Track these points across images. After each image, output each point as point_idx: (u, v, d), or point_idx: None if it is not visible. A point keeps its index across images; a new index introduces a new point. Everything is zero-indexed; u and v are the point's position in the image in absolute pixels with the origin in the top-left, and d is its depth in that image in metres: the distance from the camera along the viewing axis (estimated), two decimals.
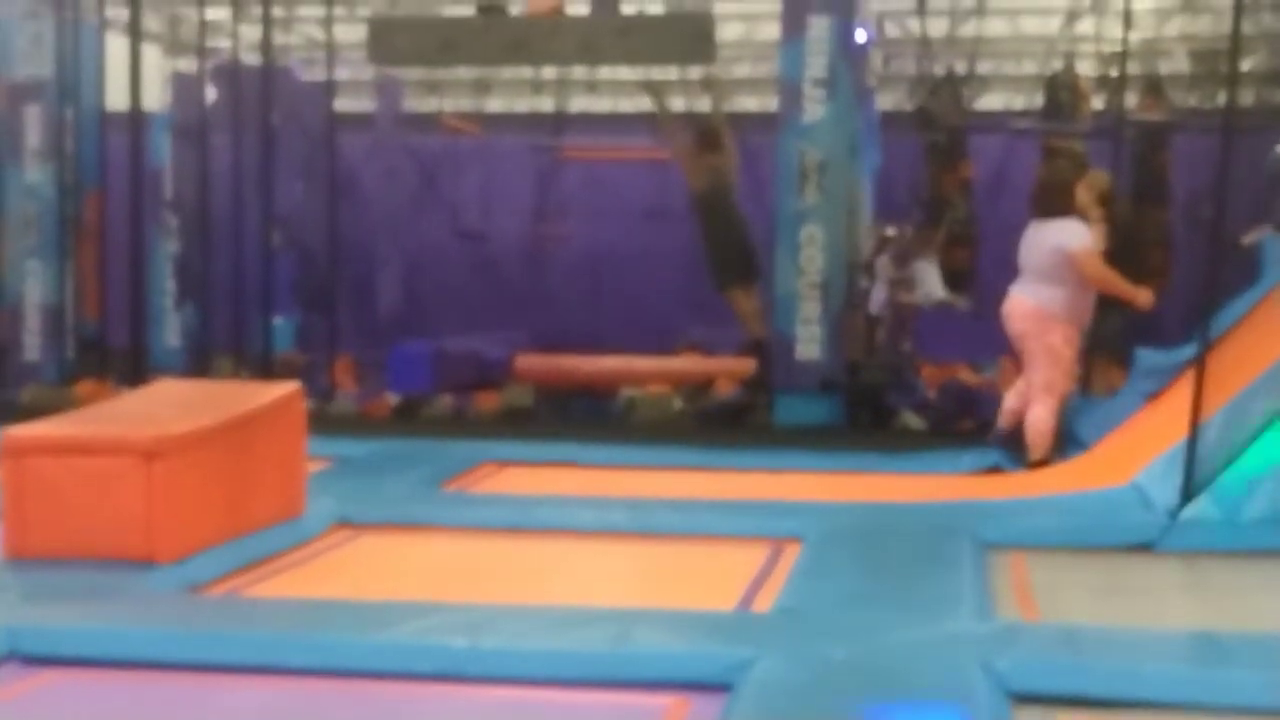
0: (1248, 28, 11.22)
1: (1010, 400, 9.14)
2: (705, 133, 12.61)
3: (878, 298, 14.16)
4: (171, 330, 14.80)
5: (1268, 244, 9.65)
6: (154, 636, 4.84)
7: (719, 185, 12.51)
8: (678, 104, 15.15)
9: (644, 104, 14.62)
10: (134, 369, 12.47)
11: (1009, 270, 9.09)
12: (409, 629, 4.81)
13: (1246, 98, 12.09)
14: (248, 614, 5.34)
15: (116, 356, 13.06)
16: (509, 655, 4.63)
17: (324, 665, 4.66)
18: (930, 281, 13.08)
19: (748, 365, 12.36)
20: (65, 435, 6.05)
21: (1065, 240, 8.57)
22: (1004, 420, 9.12)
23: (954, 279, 13.35)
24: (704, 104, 14.29)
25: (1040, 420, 8.72)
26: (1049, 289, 8.64)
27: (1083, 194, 10.04)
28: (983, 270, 13.23)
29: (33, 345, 13.19)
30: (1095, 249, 8.57)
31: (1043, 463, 8.78)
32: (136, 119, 12.75)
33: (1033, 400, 8.81)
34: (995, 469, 9.01)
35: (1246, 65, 12.68)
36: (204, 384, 9.34)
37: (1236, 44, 7.42)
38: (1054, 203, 8.67)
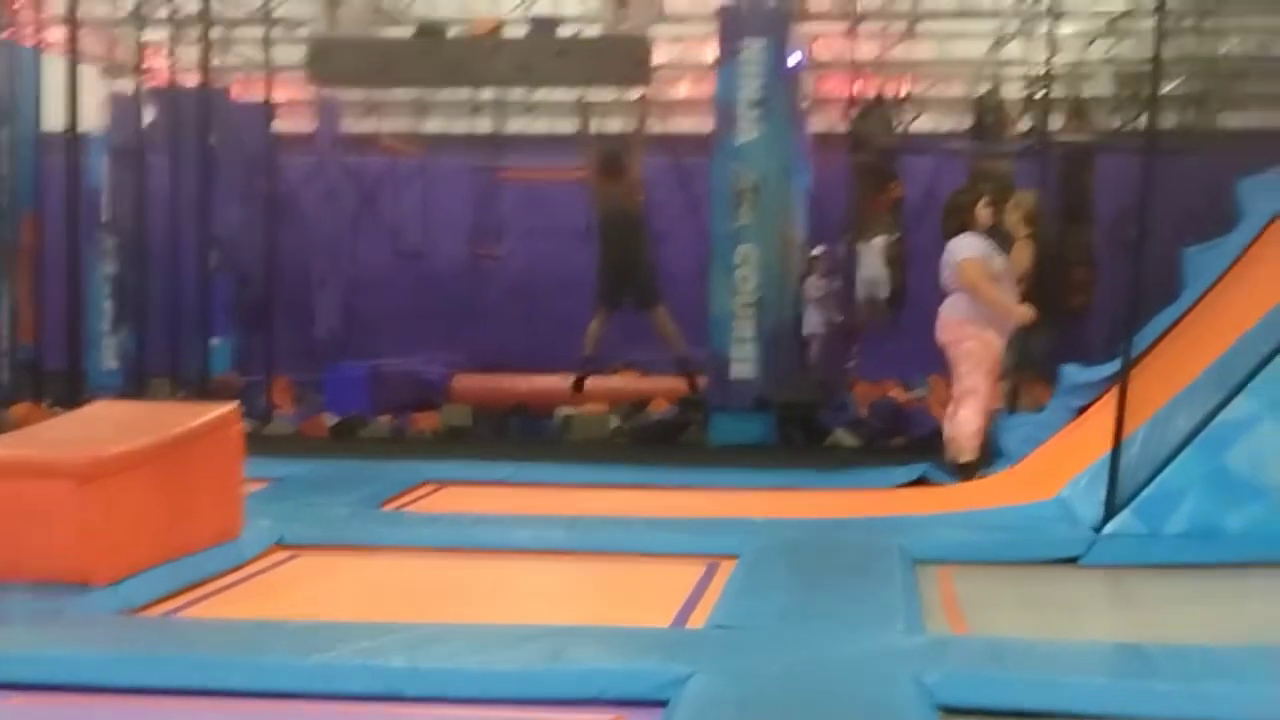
0: (1169, 52, 11.46)
1: (950, 428, 9.25)
2: (608, 159, 12.59)
3: (809, 318, 14.30)
4: (108, 352, 14.71)
5: (1187, 259, 9.82)
6: (91, 660, 4.82)
7: (619, 211, 12.51)
8: (614, 125, 15.24)
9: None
10: (70, 391, 12.39)
11: (937, 289, 9.27)
12: (348, 649, 4.82)
13: (1169, 119, 12.34)
14: (185, 636, 5.33)
15: (53, 379, 12.98)
16: (447, 675, 4.65)
17: (263, 687, 4.65)
18: (871, 263, 13.24)
19: (685, 384, 12.43)
20: None
21: (952, 252, 9.06)
22: (951, 450, 9.21)
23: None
24: (630, 125, 14.39)
25: (966, 423, 8.95)
26: (956, 298, 9.05)
27: (1010, 214, 10.30)
28: (911, 289, 13.41)
29: None
30: (979, 263, 8.92)
31: (972, 465, 8.95)
32: (73, 140, 12.68)
33: (958, 405, 9.03)
34: (922, 480, 9.15)
35: (1168, 88, 12.95)
36: (140, 405, 9.32)
37: (1158, 67, 7.61)
38: (950, 223, 9.23)
